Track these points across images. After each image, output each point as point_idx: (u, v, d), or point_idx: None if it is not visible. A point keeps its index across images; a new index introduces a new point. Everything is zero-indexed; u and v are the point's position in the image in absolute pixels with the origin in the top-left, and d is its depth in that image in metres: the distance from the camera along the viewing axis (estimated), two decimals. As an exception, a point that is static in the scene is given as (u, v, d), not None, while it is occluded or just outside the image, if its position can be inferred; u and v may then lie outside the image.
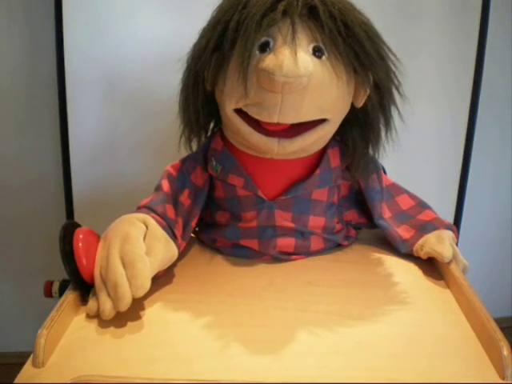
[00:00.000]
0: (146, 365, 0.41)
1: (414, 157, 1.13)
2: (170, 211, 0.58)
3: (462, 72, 1.06)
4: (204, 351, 0.43)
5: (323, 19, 0.49)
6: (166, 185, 0.60)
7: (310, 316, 0.49)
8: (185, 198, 0.60)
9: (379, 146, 0.59)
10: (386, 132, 0.58)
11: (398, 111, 0.58)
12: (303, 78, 0.48)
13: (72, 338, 0.45)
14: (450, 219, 1.13)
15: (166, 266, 0.53)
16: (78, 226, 0.51)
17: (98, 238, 0.52)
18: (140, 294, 0.47)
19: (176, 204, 0.59)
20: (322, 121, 0.53)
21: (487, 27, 1.02)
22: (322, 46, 0.51)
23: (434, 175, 1.17)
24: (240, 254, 0.61)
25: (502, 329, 0.44)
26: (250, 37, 0.49)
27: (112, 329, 0.46)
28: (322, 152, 0.59)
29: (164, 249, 0.52)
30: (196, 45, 0.56)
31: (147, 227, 0.53)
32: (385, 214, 0.63)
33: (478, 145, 1.15)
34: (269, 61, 0.48)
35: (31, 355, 0.41)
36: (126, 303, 0.46)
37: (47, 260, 1.21)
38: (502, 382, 0.40)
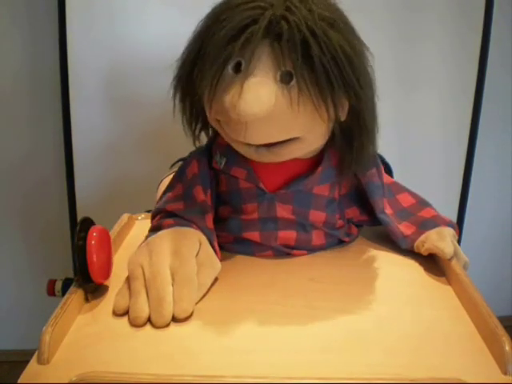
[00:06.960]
0: (151, 361, 0.42)
1: (416, 159, 1.13)
2: (210, 221, 0.59)
3: (466, 66, 1.06)
4: (208, 347, 0.44)
5: (291, 45, 0.48)
6: (198, 192, 0.60)
7: (313, 313, 0.49)
8: (209, 199, 0.61)
9: (365, 151, 0.57)
10: (370, 139, 0.57)
11: (377, 127, 0.56)
12: (258, 114, 0.48)
13: (77, 335, 0.45)
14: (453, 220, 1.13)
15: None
16: (94, 223, 0.52)
17: (110, 239, 0.52)
18: (182, 316, 0.47)
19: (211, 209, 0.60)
20: (295, 138, 0.53)
21: (491, 15, 1.02)
22: (291, 70, 0.49)
23: (437, 175, 1.17)
24: (242, 248, 0.61)
25: (504, 328, 0.44)
26: (215, 63, 0.50)
27: (116, 326, 0.47)
28: (323, 151, 0.60)
29: (213, 274, 0.53)
30: (183, 54, 0.56)
31: (200, 245, 0.54)
32: (386, 209, 0.63)
33: (481, 144, 1.15)
34: (228, 96, 0.49)
35: (36, 352, 0.42)
36: (165, 322, 0.46)
37: (50, 259, 1.21)
38: (504, 377, 0.41)
